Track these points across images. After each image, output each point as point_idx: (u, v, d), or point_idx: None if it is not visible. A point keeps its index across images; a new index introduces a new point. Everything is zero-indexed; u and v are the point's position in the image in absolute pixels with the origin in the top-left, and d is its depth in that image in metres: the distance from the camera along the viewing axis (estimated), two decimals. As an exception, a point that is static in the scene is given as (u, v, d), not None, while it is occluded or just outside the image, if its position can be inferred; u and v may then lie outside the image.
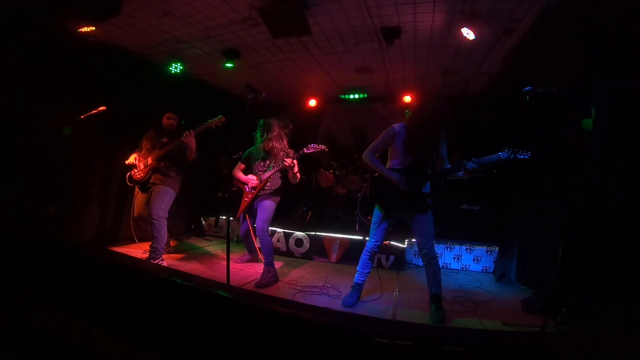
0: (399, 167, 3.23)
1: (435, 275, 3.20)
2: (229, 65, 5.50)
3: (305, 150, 3.97)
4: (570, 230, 2.72)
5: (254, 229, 4.31)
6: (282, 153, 4.14)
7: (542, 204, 3.95)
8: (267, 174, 4.15)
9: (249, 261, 4.79)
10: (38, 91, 4.20)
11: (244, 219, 4.45)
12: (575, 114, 2.70)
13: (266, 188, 4.21)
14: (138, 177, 4.28)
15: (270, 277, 3.96)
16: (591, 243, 2.73)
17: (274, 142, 4.16)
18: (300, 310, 1.39)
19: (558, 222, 3.51)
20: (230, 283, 3.52)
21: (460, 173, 3.05)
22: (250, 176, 4.24)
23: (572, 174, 2.94)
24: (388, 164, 3.34)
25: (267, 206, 4.18)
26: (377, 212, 3.38)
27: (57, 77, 4.36)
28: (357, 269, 3.54)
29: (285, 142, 4.26)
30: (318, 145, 3.94)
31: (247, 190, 4.31)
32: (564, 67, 3.50)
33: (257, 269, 4.35)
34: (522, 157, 2.84)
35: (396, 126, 3.26)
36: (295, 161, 3.92)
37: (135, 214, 4.46)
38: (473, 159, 2.96)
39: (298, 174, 4.07)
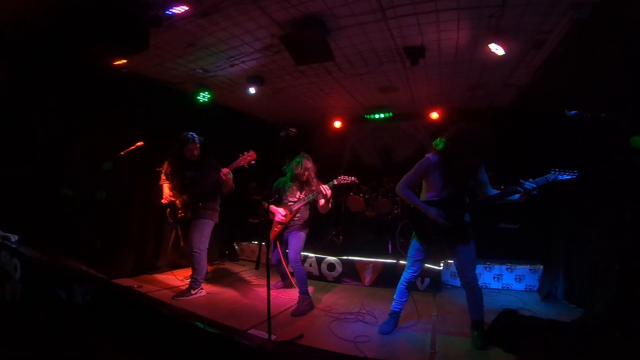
0: (436, 198, 3.05)
1: (477, 302, 3.05)
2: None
3: (335, 182, 3.99)
4: (625, 251, 2.53)
5: (286, 257, 4.37)
6: (315, 183, 4.25)
7: (588, 221, 3.76)
8: (297, 205, 4.21)
9: (282, 287, 4.78)
10: (80, 126, 4.41)
11: (275, 246, 4.47)
12: (621, 131, 2.54)
13: (295, 219, 4.27)
14: (181, 216, 4.27)
15: (306, 304, 3.97)
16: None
17: (311, 174, 4.27)
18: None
19: (607, 237, 3.32)
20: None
21: (516, 196, 2.80)
22: (280, 209, 4.31)
23: (620, 192, 2.76)
24: (423, 196, 3.17)
25: (298, 237, 4.24)
26: (415, 244, 3.24)
27: (96, 111, 4.56)
28: (394, 297, 3.42)
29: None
30: (348, 177, 3.96)
31: (277, 220, 4.35)
32: (600, 77, 3.36)
33: (291, 296, 4.31)
34: (568, 177, 2.65)
35: (431, 157, 3.05)
36: (330, 191, 3.98)
37: (182, 244, 4.51)
38: (530, 179, 2.73)
39: (330, 204, 4.16)
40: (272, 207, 4.34)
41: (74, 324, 2.05)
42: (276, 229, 4.37)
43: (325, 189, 3.94)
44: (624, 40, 2.95)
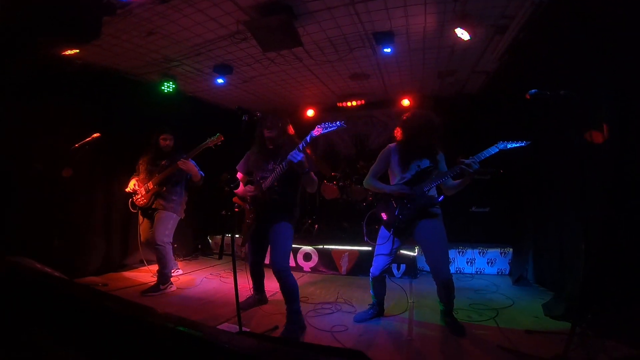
0: (401, 182, 3.18)
1: (450, 295, 3.09)
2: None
3: (314, 132, 2.74)
4: (590, 233, 2.60)
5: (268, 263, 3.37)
6: (288, 147, 3.07)
7: (555, 203, 3.85)
8: (268, 179, 3.10)
9: (255, 304, 3.71)
10: (32, 122, 4.16)
11: (249, 250, 3.52)
12: (582, 111, 2.60)
13: (273, 201, 3.12)
14: (141, 204, 4.25)
15: (298, 327, 3.05)
16: (613, 245, 2.62)
17: (281, 135, 3.17)
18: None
19: (573, 219, 3.41)
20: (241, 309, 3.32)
21: (457, 181, 2.98)
22: (247, 187, 3.29)
23: (585, 172, 2.82)
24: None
25: (283, 234, 3.11)
26: (383, 232, 3.26)
27: (49, 105, 4.32)
28: (370, 292, 3.44)
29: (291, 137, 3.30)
30: (332, 123, 2.71)
31: (249, 207, 3.33)
32: (565, 60, 3.41)
33: (267, 288, 3.91)
34: (518, 145, 2.75)
35: (391, 145, 3.30)
36: (307, 150, 2.81)
37: (142, 239, 4.43)
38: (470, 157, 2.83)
39: (314, 175, 3.02)
40: (240, 189, 3.33)
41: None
42: (248, 220, 3.33)
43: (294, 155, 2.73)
44: (585, 25, 2.99)
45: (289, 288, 3.04)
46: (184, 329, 1.52)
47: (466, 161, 2.77)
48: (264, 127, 3.12)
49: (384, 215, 3.22)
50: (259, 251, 3.50)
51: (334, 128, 2.73)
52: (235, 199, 3.44)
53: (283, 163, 2.93)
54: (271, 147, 3.17)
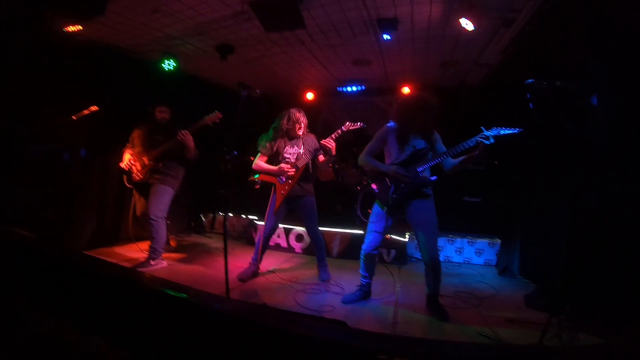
0: (396, 162, 3.21)
1: (437, 279, 3.18)
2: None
3: (343, 128, 3.64)
4: (574, 226, 2.66)
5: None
6: (312, 138, 4.07)
7: (544, 196, 3.91)
8: (303, 160, 3.88)
9: (253, 276, 4.05)
10: (31, 94, 4.13)
11: (273, 217, 4.04)
12: (578, 105, 2.63)
13: (304, 180, 3.97)
14: (137, 179, 4.24)
15: (328, 271, 4.13)
16: (596, 238, 2.69)
17: (304, 128, 4.04)
18: (299, 326, 1.34)
19: (560, 214, 3.47)
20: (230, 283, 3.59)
21: (458, 160, 3.03)
22: (283, 164, 3.92)
23: (575, 166, 2.88)
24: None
25: (314, 204, 4.05)
26: (376, 209, 3.33)
27: (49, 79, 4.28)
28: (360, 271, 3.50)
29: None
30: (355, 123, 3.64)
31: (282, 182, 3.95)
32: (567, 55, 3.43)
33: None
34: (511, 132, 2.77)
35: (388, 125, 3.34)
36: (333, 143, 3.63)
37: (137, 213, 4.45)
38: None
39: (331, 166, 3.92)
40: (272, 167, 3.97)
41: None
42: (283, 192, 3.92)
43: (328, 142, 3.61)
44: (592, 20, 2.99)
45: (321, 244, 4.14)
46: (170, 291, 1.59)
47: (486, 133, 2.79)
48: (301, 125, 3.97)
49: (378, 194, 3.29)
50: (279, 219, 4.13)
51: (356, 127, 3.67)
52: (263, 177, 4.09)
53: (317, 149, 3.82)
54: (298, 136, 4.00)
